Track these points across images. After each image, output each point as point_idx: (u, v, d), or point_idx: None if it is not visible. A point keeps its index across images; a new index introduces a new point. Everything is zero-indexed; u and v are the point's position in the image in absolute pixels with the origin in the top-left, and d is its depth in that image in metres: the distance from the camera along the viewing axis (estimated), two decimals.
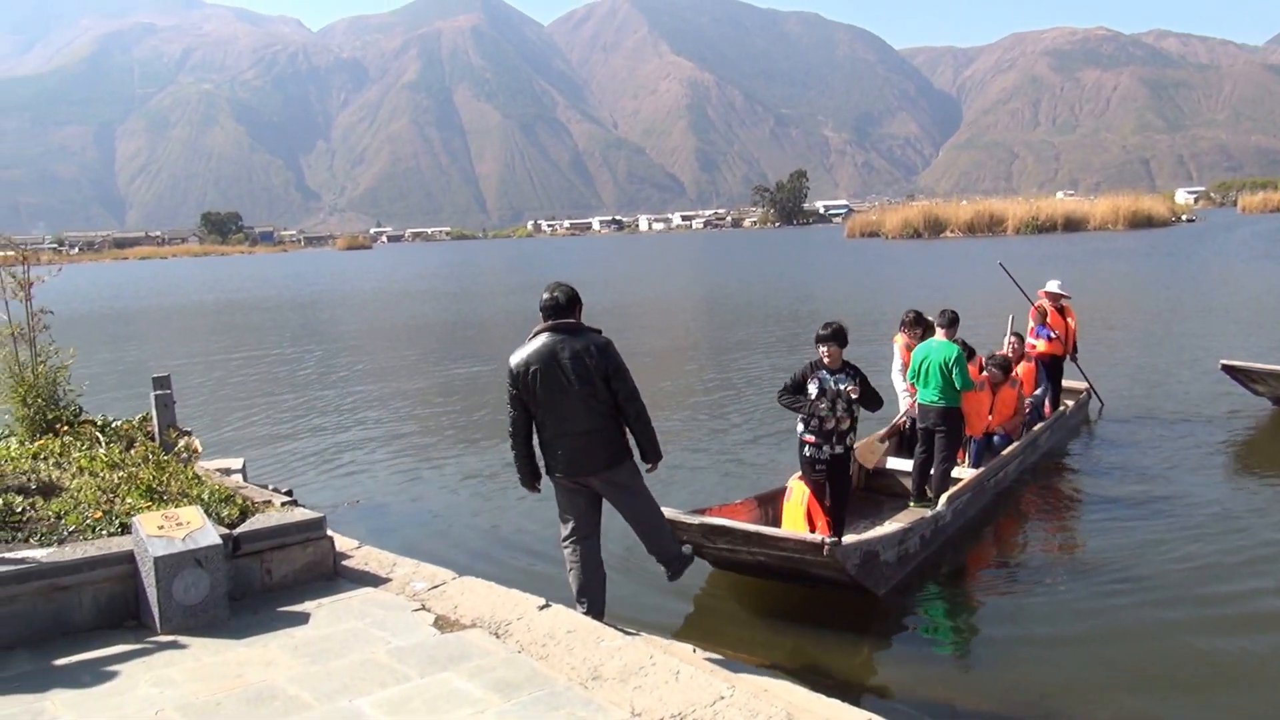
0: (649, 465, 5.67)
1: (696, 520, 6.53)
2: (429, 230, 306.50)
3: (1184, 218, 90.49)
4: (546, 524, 8.38)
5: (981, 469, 8.19)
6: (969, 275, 36.21)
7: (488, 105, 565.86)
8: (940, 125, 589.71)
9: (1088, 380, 11.89)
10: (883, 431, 9.04)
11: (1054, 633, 5.96)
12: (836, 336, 6.66)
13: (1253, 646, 5.68)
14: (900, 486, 8.53)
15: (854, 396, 6.63)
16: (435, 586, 5.79)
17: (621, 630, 5.29)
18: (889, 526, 7.07)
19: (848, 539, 6.31)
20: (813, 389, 6.67)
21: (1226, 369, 11.56)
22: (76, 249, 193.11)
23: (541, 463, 5.70)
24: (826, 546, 5.92)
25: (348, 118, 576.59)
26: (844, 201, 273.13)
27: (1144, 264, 39.95)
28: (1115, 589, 6.54)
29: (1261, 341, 16.95)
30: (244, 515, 5.92)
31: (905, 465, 8.52)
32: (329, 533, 6.07)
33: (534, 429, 5.57)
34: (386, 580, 5.90)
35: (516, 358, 5.45)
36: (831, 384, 6.64)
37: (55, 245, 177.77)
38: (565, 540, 5.70)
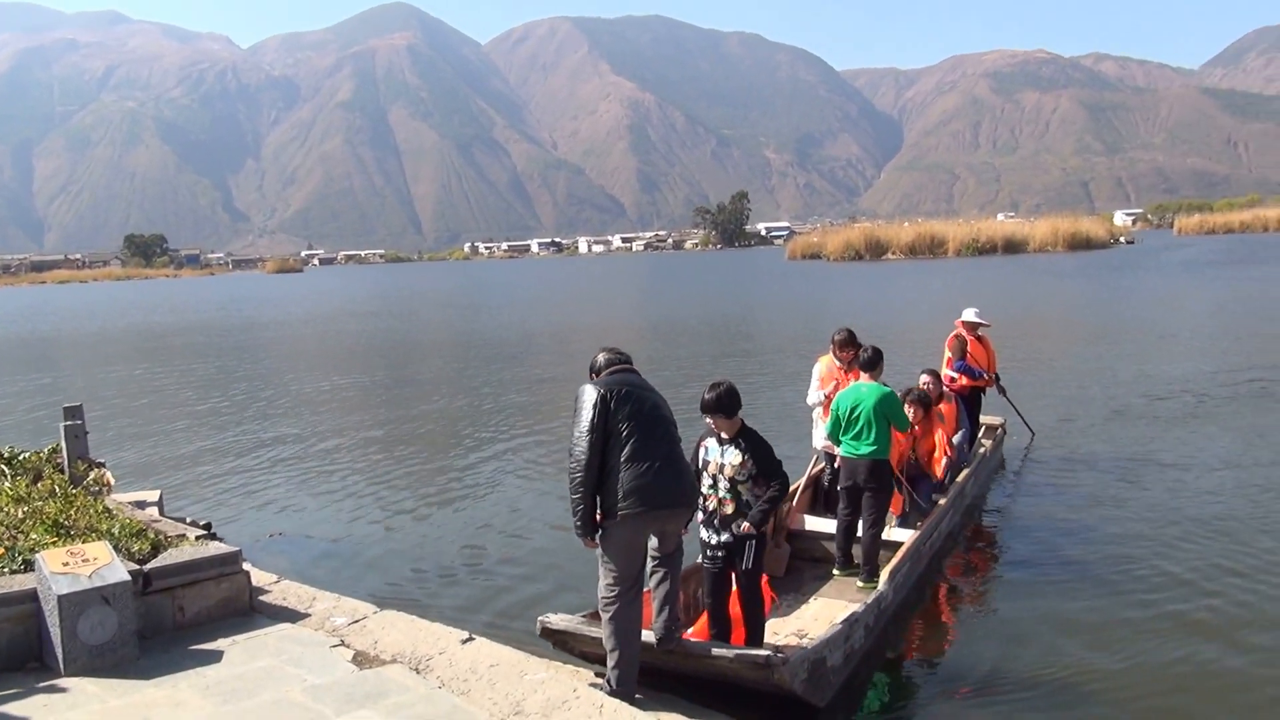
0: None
1: (593, 632, 5.14)
2: (362, 253, 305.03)
3: (1122, 239, 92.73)
4: (474, 556, 8.30)
5: (916, 532, 7.17)
6: (908, 298, 36.79)
7: (424, 125, 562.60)
8: (882, 147, 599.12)
9: (1017, 410, 11.35)
10: (800, 482, 8.05)
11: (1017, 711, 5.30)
12: (720, 405, 5.42)
13: None
14: (821, 550, 7.42)
15: (738, 477, 5.40)
16: (355, 621, 5.66)
17: (547, 662, 5.23)
18: (830, 621, 5.81)
19: (794, 649, 5.14)
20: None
21: None
22: None
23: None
24: (775, 666, 4.80)
25: (279, 137, 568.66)
26: (786, 223, 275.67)
27: (1083, 285, 40.90)
28: (1063, 651, 5.98)
29: (1202, 365, 17.38)
30: (156, 550, 5.73)
31: (826, 526, 7.44)
32: (245, 567, 5.91)
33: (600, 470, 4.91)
34: (305, 616, 5.75)
35: (595, 384, 4.99)
36: (715, 456, 5.50)
37: None
38: (612, 596, 4.91)
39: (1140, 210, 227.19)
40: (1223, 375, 15.75)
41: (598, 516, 4.91)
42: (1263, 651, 5.84)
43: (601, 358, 5.21)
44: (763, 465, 5.40)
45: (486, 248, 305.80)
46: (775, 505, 5.54)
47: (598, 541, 4.95)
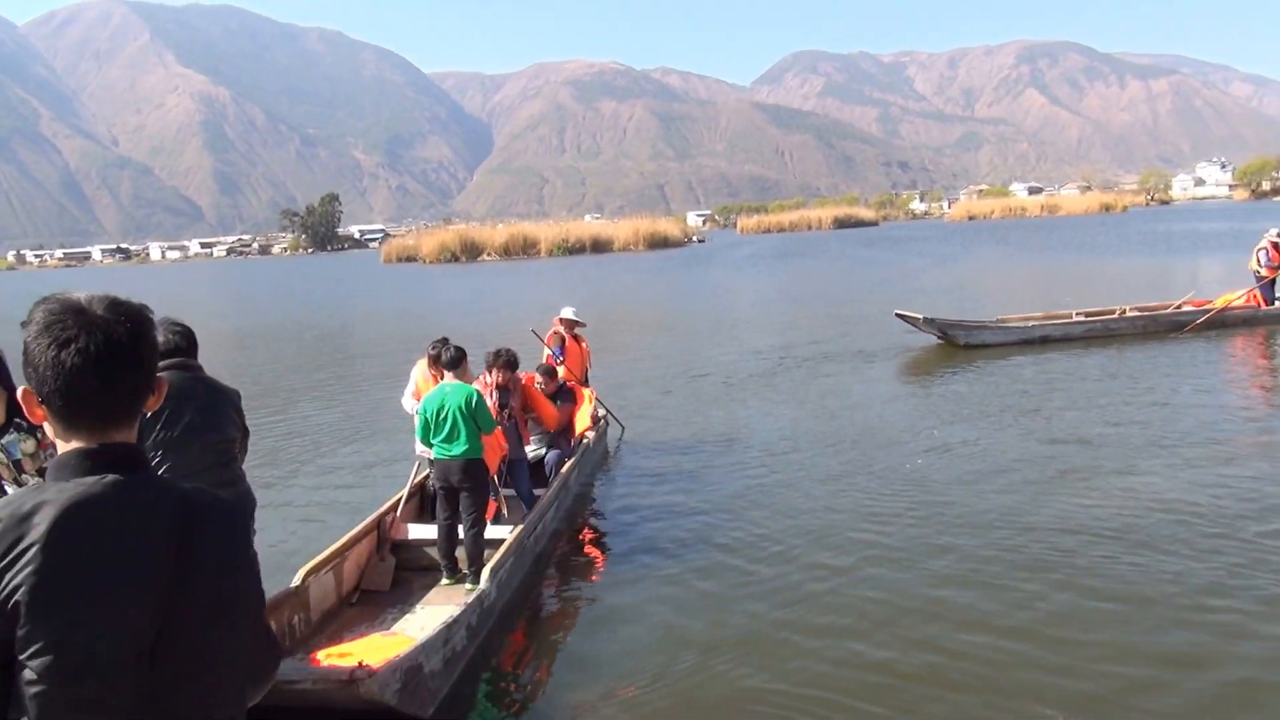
0: None
1: None
2: None
3: (694, 238, 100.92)
4: None
5: (519, 527, 7.13)
6: (505, 298, 37.55)
7: None
8: (473, 149, 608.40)
9: (605, 407, 11.55)
10: (403, 493, 7.83)
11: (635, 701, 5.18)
12: None
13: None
14: (428, 558, 7.28)
15: None
16: None
17: None
18: (429, 626, 5.53)
19: (382, 660, 4.66)
20: None
21: (899, 316, 16.87)
22: None
23: None
24: (359, 680, 4.42)
25: None
26: (380, 226, 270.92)
27: (661, 280, 43.98)
28: (673, 633, 6.08)
29: (763, 344, 19.27)
30: None
31: (431, 533, 7.28)
32: None
33: None
34: None
35: None
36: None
37: None
38: None
39: (709, 211, 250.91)
40: (778, 352, 17.60)
41: None
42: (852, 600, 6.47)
43: (162, 340, 4.51)
44: None
45: (36, 256, 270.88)
46: None
47: None
